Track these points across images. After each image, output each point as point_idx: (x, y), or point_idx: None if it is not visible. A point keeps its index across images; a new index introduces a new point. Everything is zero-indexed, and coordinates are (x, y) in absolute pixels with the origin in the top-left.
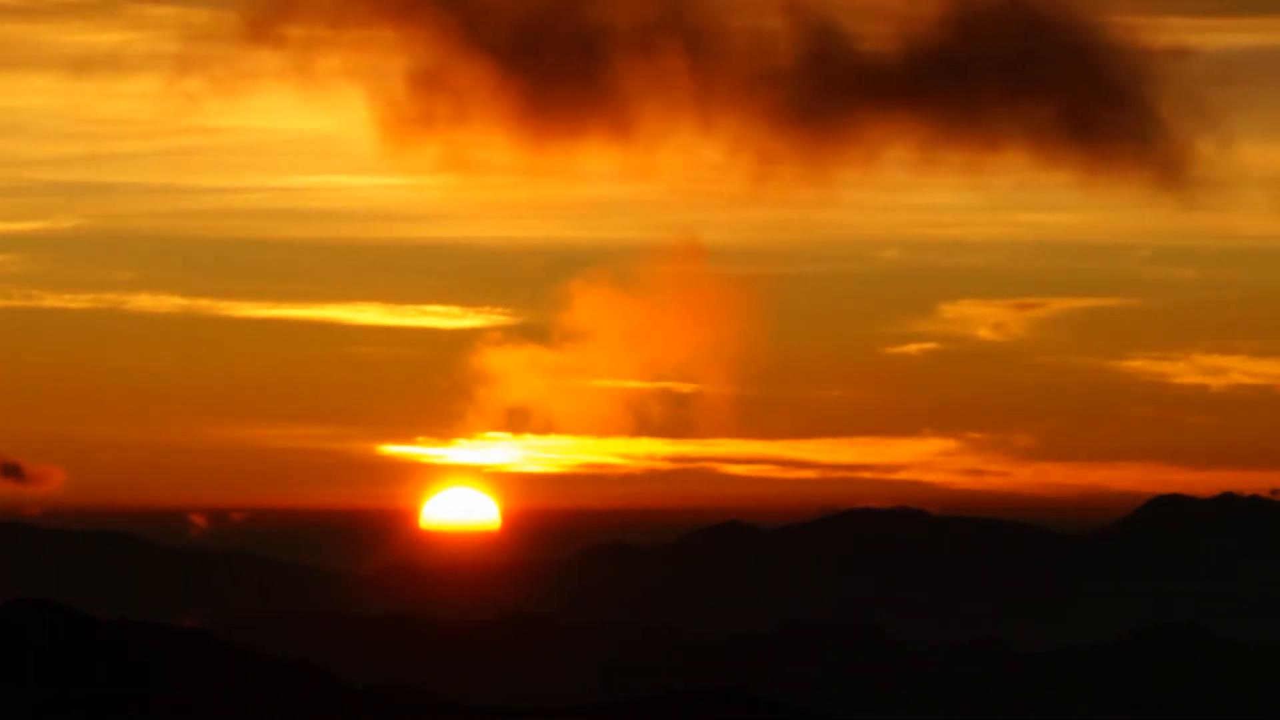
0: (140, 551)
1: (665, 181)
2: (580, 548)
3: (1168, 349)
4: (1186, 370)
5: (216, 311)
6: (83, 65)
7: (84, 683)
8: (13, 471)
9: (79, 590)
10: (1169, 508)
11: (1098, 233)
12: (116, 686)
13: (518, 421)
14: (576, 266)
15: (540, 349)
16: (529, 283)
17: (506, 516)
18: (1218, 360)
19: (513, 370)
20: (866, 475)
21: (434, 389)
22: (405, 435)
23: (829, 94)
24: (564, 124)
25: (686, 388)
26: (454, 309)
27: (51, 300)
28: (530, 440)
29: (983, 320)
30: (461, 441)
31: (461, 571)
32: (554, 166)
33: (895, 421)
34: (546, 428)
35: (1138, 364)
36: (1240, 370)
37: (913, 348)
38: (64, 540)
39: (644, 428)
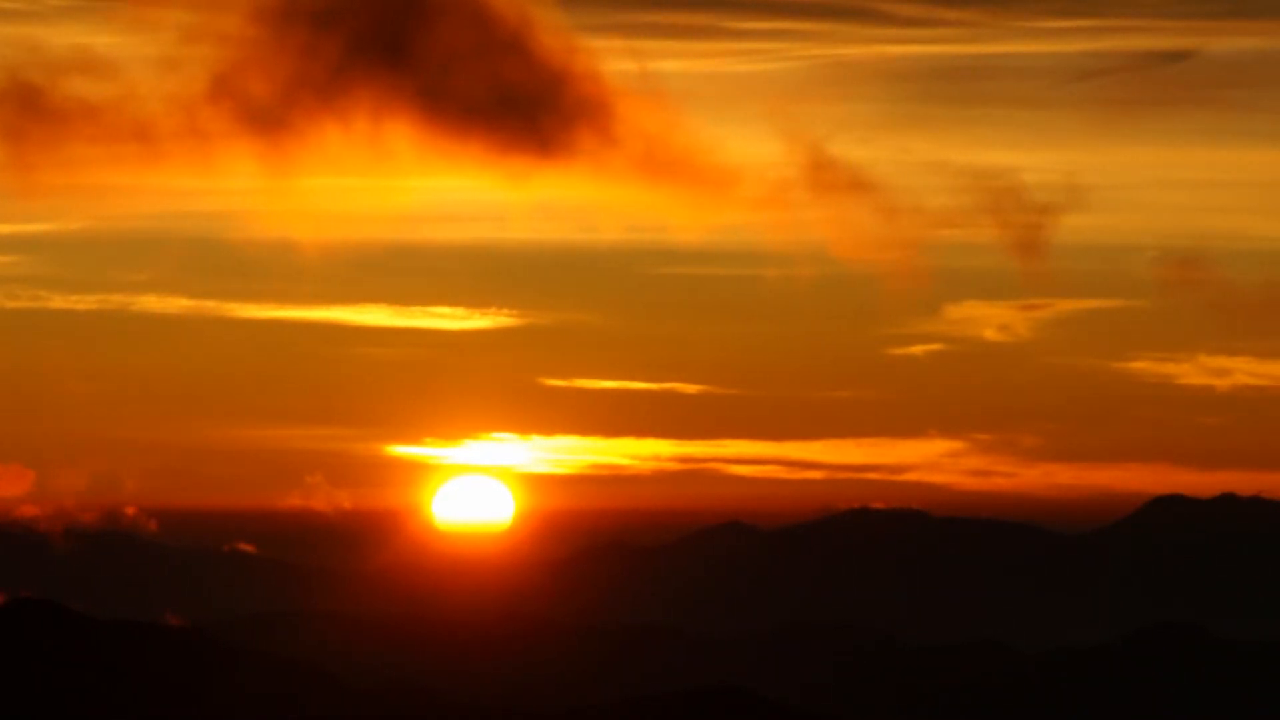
0: (141, 551)
1: None
2: (581, 547)
3: (1173, 350)
4: (1192, 371)
5: (224, 313)
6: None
7: (83, 683)
8: None
9: (79, 590)
10: (1169, 508)
11: (1102, 233)
12: (116, 687)
13: (524, 422)
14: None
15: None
16: (533, 283)
17: (513, 516)
18: (1223, 361)
19: (515, 370)
20: (873, 476)
21: (441, 390)
22: (412, 436)
23: None
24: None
25: (692, 388)
26: (460, 310)
27: (58, 301)
28: (537, 441)
29: (988, 321)
30: (469, 442)
31: (463, 571)
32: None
33: (901, 422)
34: (553, 428)
35: (1143, 365)
36: (1246, 371)
37: (918, 349)
38: (64, 540)
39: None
